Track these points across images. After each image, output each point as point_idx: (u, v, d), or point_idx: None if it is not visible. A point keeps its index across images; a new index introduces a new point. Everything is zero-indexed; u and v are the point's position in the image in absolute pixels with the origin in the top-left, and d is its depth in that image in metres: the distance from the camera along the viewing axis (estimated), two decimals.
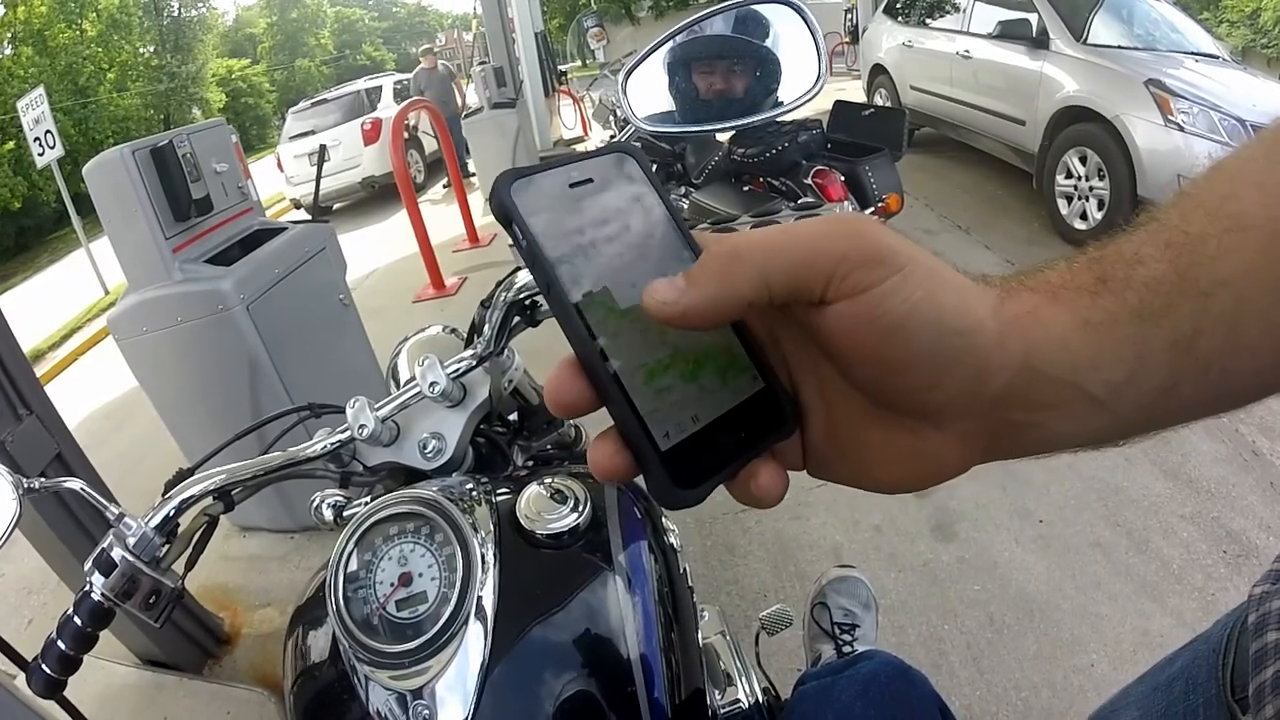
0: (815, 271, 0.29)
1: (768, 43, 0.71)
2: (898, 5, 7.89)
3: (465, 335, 1.04)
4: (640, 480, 0.31)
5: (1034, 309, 0.31)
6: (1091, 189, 4.74)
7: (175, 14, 26.63)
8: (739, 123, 0.73)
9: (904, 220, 3.90)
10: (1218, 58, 5.35)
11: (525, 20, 9.45)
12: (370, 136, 9.49)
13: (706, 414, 0.30)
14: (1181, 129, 4.16)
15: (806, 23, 0.67)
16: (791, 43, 0.69)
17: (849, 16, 17.34)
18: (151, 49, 25.84)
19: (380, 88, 10.70)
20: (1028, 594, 2.17)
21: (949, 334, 0.29)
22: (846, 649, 1.53)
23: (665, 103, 0.71)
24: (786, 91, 0.69)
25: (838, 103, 4.13)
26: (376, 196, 9.41)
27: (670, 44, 0.70)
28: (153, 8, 25.47)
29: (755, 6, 0.69)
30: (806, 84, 0.68)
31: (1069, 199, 4.95)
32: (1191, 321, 0.30)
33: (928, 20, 7.19)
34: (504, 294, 0.75)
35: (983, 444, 0.32)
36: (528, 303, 0.75)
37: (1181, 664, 0.74)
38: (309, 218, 3.01)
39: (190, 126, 2.55)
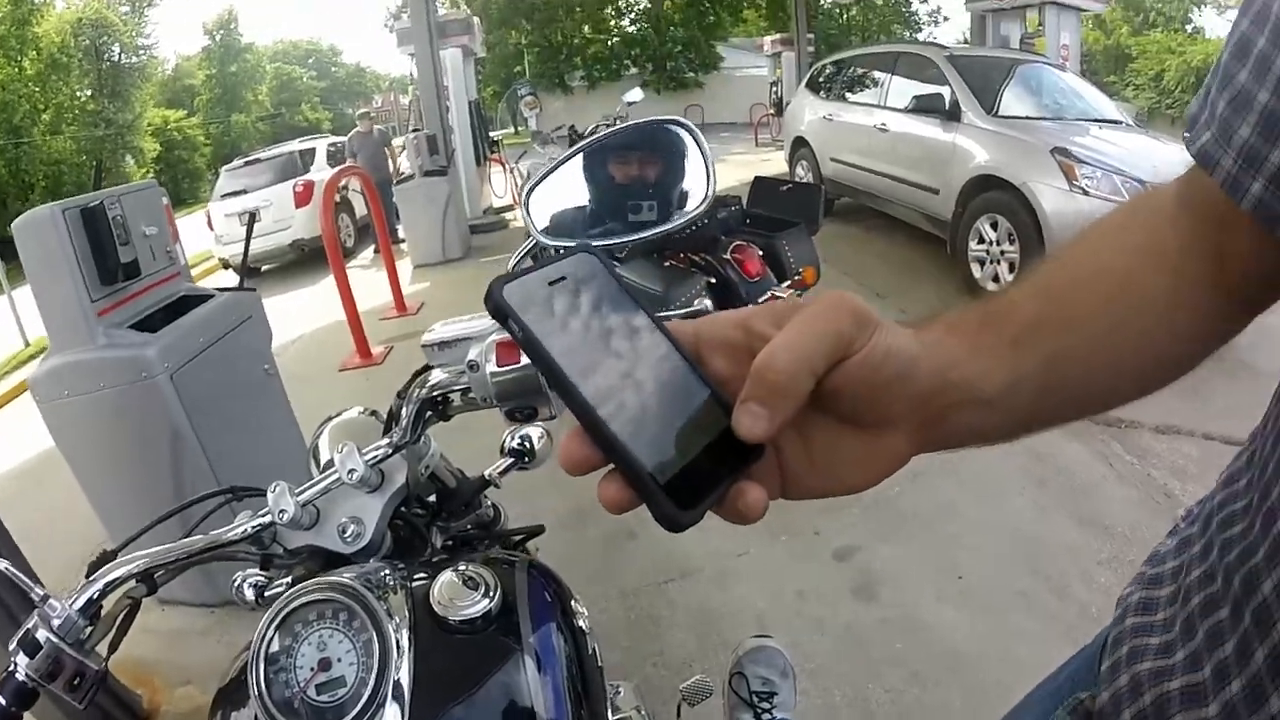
0: (839, 347, 0.38)
1: (663, 161, 0.79)
2: (820, 80, 8.26)
3: (384, 417, 1.08)
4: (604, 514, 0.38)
5: (940, 339, 0.43)
6: (1003, 253, 4.99)
7: (116, 59, 26.21)
8: (633, 238, 0.79)
9: (823, 289, 4.04)
10: (1121, 123, 5.74)
11: (460, 89, 9.61)
12: (302, 199, 9.41)
13: (693, 449, 0.37)
14: (1086, 193, 4.43)
15: (698, 143, 0.75)
16: (685, 161, 0.76)
17: (774, 89, 18.13)
18: (89, 93, 25.42)
19: (314, 150, 10.68)
20: (951, 649, 2.22)
21: (906, 363, 0.40)
22: (766, 717, 1.56)
23: (566, 217, 0.78)
24: (679, 206, 0.77)
25: (757, 178, 4.29)
26: (306, 259, 9.29)
27: (570, 162, 0.77)
28: (93, 51, 25.06)
29: (652, 127, 0.78)
30: (697, 199, 0.75)
31: (981, 263, 5.20)
32: (1055, 348, 0.45)
33: (847, 95, 7.53)
34: (418, 390, 0.79)
35: (920, 436, 0.43)
36: (440, 399, 0.79)
37: (1070, 669, 0.82)
38: (237, 280, 2.99)
39: (122, 188, 2.53)
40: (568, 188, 0.78)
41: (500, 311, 0.36)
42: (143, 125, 27.51)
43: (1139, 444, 3.20)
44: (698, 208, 0.75)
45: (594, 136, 0.77)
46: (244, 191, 9.69)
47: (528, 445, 0.91)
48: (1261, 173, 0.43)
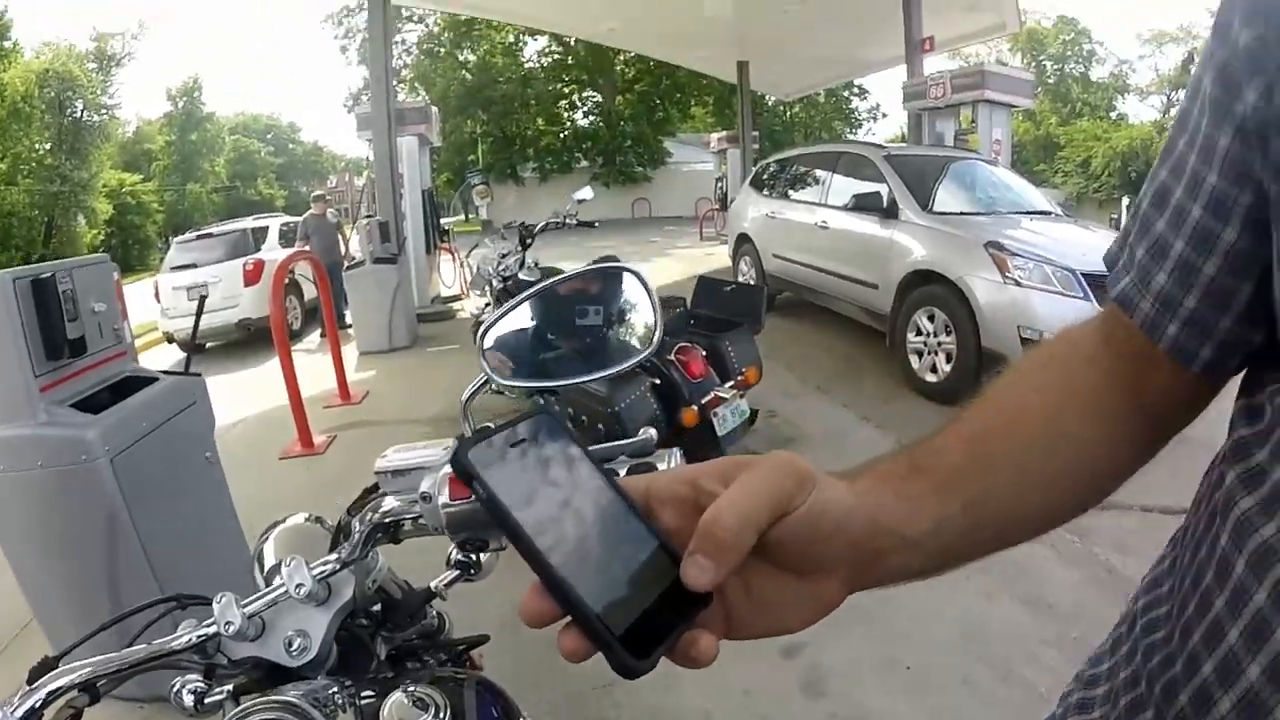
0: (781, 505, 0.42)
1: (612, 304, 0.84)
2: (764, 178, 8.57)
3: (329, 525, 1.08)
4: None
5: (870, 487, 0.47)
6: (940, 344, 5.17)
7: (78, 115, 25.73)
8: (583, 379, 0.84)
9: (766, 385, 4.14)
10: (1050, 214, 6.06)
11: (415, 177, 9.76)
12: (251, 277, 9.34)
13: (646, 599, 0.40)
14: (1019, 284, 4.65)
15: (645, 289, 0.80)
16: (632, 305, 0.82)
17: (719, 184, 18.73)
18: (48, 146, 24.88)
19: (267, 228, 10.66)
20: None
21: (842, 514, 0.44)
22: None
23: (518, 357, 0.82)
24: (625, 349, 0.82)
25: (701, 279, 4.43)
26: (251, 339, 9.18)
27: (523, 305, 0.82)
28: (57, 104, 24.59)
29: (602, 272, 0.84)
30: (643, 343, 0.80)
31: (919, 354, 5.37)
32: (976, 491, 0.50)
33: (790, 193, 7.82)
34: (370, 514, 0.80)
35: (853, 579, 0.47)
36: (391, 524, 0.81)
37: None
38: (181, 356, 2.94)
39: (74, 261, 2.49)
40: (519, 328, 0.82)
41: (466, 474, 0.40)
42: (98, 185, 26.96)
43: (1079, 523, 3.24)
44: (644, 351, 0.80)
45: (546, 282, 0.82)
46: (194, 265, 9.59)
47: (474, 559, 0.90)
48: (1177, 316, 0.50)
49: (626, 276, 0.82)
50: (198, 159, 40.44)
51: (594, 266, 0.85)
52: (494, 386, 0.81)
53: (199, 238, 10.59)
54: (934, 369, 5.27)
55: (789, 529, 0.42)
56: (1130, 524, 3.21)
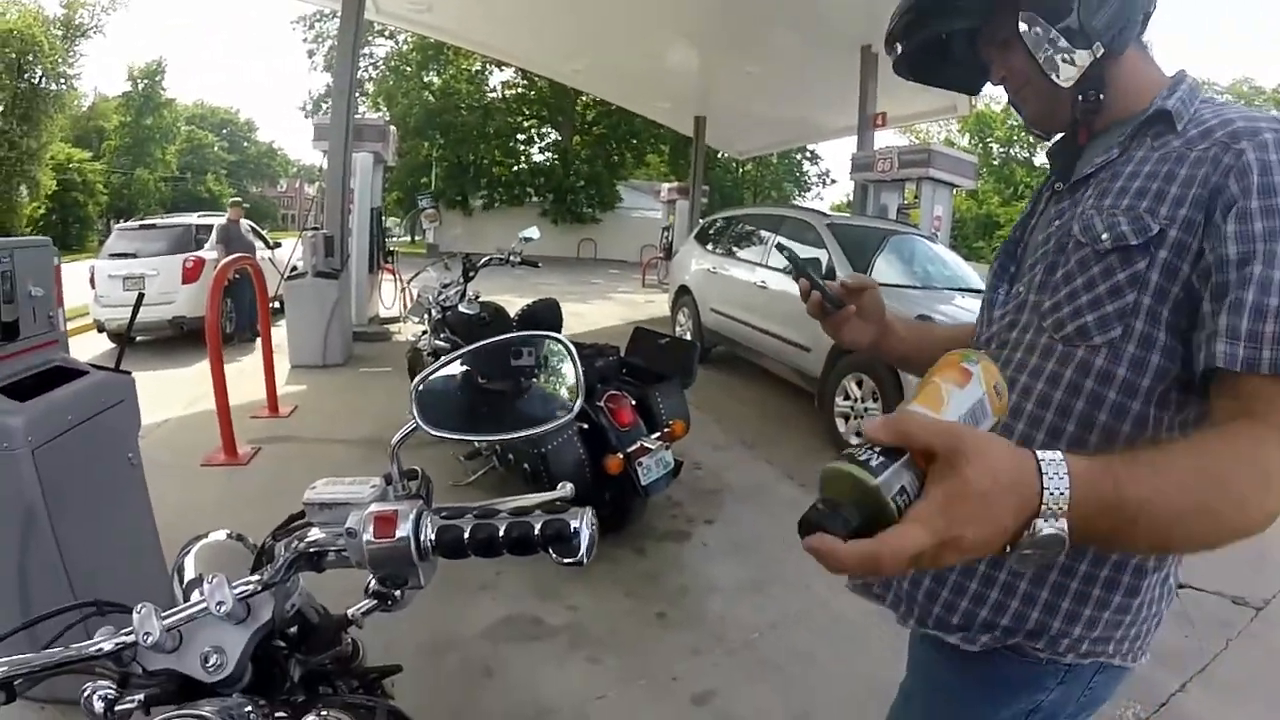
0: (875, 297, 1.29)
1: (540, 367, 0.92)
2: (709, 233, 8.76)
3: (250, 544, 1.10)
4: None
5: (894, 320, 1.35)
6: (866, 410, 5.35)
7: (36, 81, 24.61)
8: (508, 436, 0.91)
9: (693, 438, 4.23)
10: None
11: (365, 193, 9.71)
12: (190, 275, 9.11)
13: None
14: None
15: (571, 357, 0.88)
16: (560, 370, 0.90)
17: (665, 234, 19.01)
18: (0, 109, 23.77)
19: (211, 227, 10.34)
20: None
21: (883, 312, 1.30)
22: None
23: (449, 409, 0.89)
24: (550, 410, 0.90)
25: (637, 329, 4.52)
26: (183, 338, 8.93)
27: (457, 362, 0.89)
28: (16, 66, 23.52)
29: (533, 339, 0.92)
30: (568, 405, 0.88)
31: (846, 418, 5.55)
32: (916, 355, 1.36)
33: (734, 250, 8.01)
34: (296, 543, 0.84)
35: (878, 337, 1.32)
36: (315, 554, 0.84)
37: None
38: (109, 345, 2.86)
39: (16, 240, 2.43)
40: (452, 383, 0.90)
41: None
42: (45, 157, 25.93)
43: None
44: (569, 413, 0.88)
45: (479, 344, 0.89)
46: (134, 255, 9.29)
47: (394, 592, 0.91)
48: None
49: (553, 343, 0.91)
50: (150, 144, 39.15)
51: (528, 334, 0.93)
52: (422, 434, 0.88)
53: (142, 227, 10.27)
54: (859, 433, 5.41)
55: (873, 302, 1.25)
56: None
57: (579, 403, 0.86)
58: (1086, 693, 1.06)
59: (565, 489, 0.85)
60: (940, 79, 1.22)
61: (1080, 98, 1.00)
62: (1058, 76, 0.98)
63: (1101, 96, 0.99)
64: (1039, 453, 0.66)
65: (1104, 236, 0.93)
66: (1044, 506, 0.63)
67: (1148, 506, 0.68)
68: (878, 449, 0.63)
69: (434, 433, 0.86)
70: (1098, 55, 0.96)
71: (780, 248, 1.28)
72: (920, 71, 1.20)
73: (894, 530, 0.61)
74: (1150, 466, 0.71)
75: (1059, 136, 1.10)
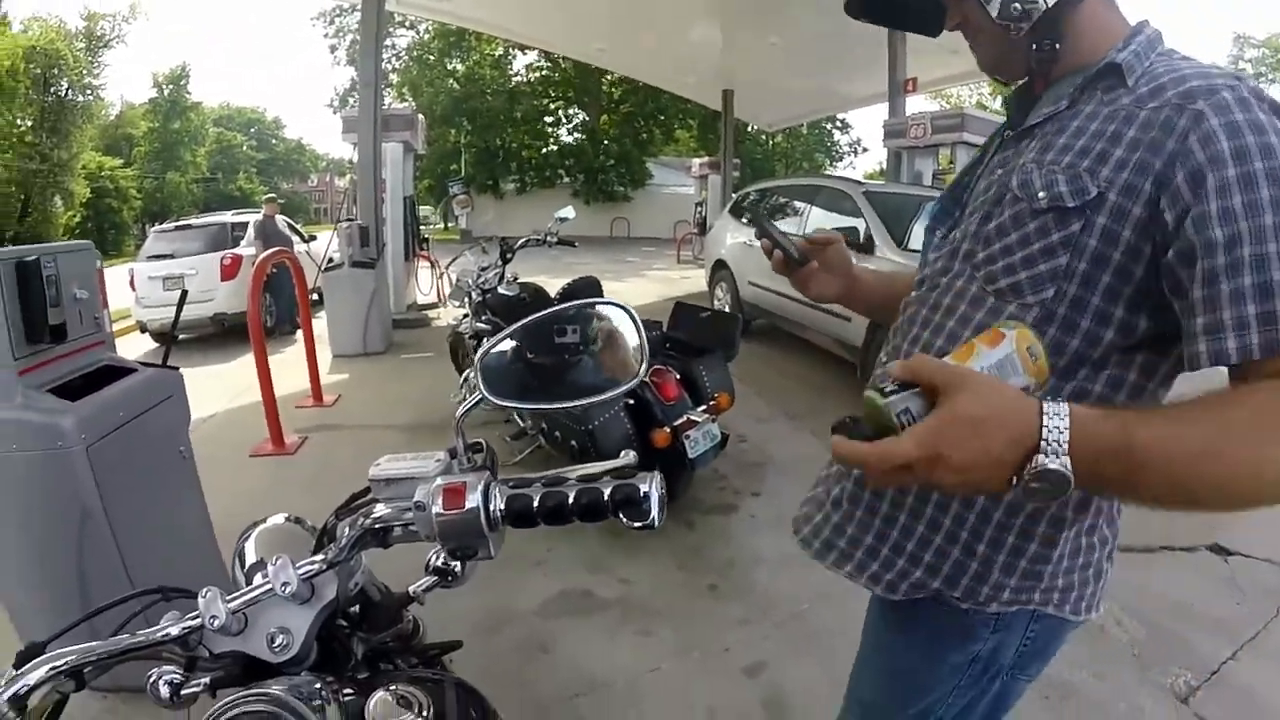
0: (840, 250, 1.34)
1: (603, 336, 0.91)
2: (743, 206, 8.67)
3: (309, 526, 1.11)
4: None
5: (863, 273, 1.40)
6: None
7: (62, 94, 25.04)
8: (572, 404, 0.90)
9: (738, 410, 4.21)
10: None
11: (397, 183, 9.76)
12: (228, 272, 9.28)
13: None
14: None
15: (635, 325, 0.87)
16: (622, 338, 0.89)
17: (699, 209, 18.86)
18: (29, 124, 24.20)
19: (247, 224, 10.51)
20: None
21: (849, 265, 1.36)
22: None
23: (512, 378, 0.88)
24: (613, 378, 0.89)
25: (678, 304, 4.50)
26: (225, 333, 9.11)
27: (518, 334, 0.88)
28: (42, 81, 23.95)
29: (596, 307, 0.91)
30: (630, 373, 0.87)
31: None
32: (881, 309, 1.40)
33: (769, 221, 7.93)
34: (362, 519, 0.83)
35: (844, 290, 1.37)
36: (382, 530, 0.84)
37: None
38: (155, 347, 2.91)
39: (58, 245, 2.47)
40: (514, 355, 0.89)
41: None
42: (77, 167, 26.30)
43: None
44: (631, 381, 0.87)
45: (543, 313, 0.88)
46: (171, 255, 9.47)
47: (454, 567, 0.93)
48: None
49: (620, 312, 0.89)
50: (179, 148, 39.69)
51: (590, 300, 0.92)
52: (486, 405, 0.87)
53: (178, 228, 10.48)
54: None
55: (837, 256, 1.29)
56: None
57: (645, 367, 0.85)
58: (1026, 642, 1.06)
59: (629, 456, 0.85)
60: (896, 20, 1.20)
61: (1034, 46, 0.95)
62: (1010, 24, 0.93)
63: (1058, 46, 0.95)
64: (1046, 402, 0.70)
65: (1040, 195, 0.91)
66: (1043, 443, 0.68)
67: (1159, 452, 0.70)
68: (898, 383, 0.74)
69: (499, 403, 0.85)
70: (1050, 3, 0.91)
71: (754, 218, 1.31)
72: (874, 12, 1.17)
73: (888, 439, 0.73)
74: (1165, 415, 0.75)
75: (1021, 82, 1.05)
